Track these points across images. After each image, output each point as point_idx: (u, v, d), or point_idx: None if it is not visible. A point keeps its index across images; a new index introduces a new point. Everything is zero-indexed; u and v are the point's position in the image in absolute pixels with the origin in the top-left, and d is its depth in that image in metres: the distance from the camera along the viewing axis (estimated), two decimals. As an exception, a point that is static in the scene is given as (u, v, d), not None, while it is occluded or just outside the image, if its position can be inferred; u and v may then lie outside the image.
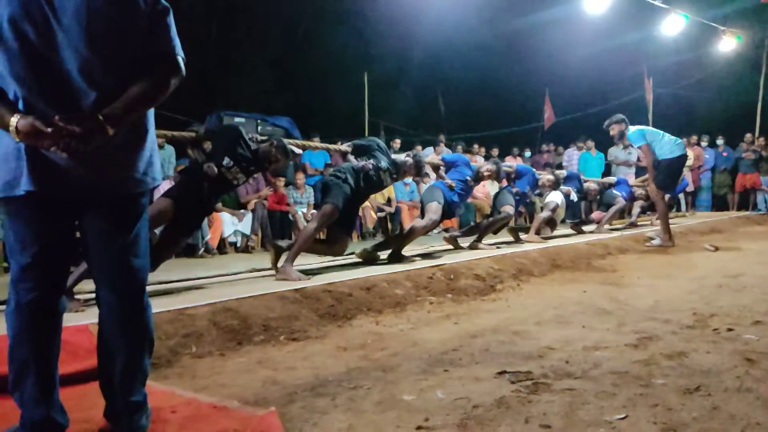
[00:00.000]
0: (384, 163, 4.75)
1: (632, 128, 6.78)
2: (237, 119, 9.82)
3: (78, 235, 1.75)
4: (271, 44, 12.06)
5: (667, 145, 6.57)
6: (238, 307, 3.10)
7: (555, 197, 7.09)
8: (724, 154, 12.47)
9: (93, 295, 2.75)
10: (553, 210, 7.02)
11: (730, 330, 2.82)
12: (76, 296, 3.12)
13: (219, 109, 9.77)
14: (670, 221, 8.71)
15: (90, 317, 2.59)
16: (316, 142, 5.08)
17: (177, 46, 1.72)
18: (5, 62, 1.53)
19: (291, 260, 4.12)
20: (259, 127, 9.96)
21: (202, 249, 6.79)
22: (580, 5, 9.33)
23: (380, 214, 9.02)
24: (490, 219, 6.32)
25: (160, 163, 1.85)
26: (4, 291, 3.30)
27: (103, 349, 1.74)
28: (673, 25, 10.56)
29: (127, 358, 1.71)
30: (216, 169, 3.66)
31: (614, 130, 6.82)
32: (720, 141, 12.45)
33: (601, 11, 9.37)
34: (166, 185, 6.64)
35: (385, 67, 12.83)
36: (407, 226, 6.42)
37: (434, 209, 5.32)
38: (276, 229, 7.74)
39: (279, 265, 4.21)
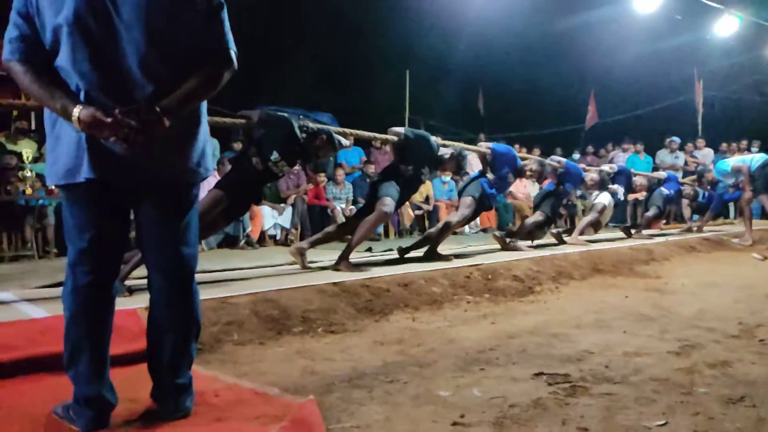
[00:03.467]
0: (427, 168, 4.81)
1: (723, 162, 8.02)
2: (279, 114, 9.98)
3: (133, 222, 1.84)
4: (314, 40, 12.18)
5: (755, 161, 7.49)
6: (278, 298, 3.17)
7: (602, 198, 6.90)
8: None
9: (139, 282, 2.87)
10: (601, 212, 6.84)
11: (777, 341, 2.73)
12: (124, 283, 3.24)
13: (262, 104, 9.92)
14: (718, 229, 8.48)
15: (137, 302, 2.69)
16: (361, 131, 5.08)
17: (230, 41, 1.77)
18: (69, 55, 1.61)
19: (347, 255, 4.24)
20: (301, 120, 10.09)
21: (243, 241, 6.93)
22: (629, 5, 9.11)
23: (418, 212, 9.01)
24: (526, 222, 6.19)
25: (211, 153, 1.91)
26: (57, 274, 3.46)
27: (152, 331, 1.82)
28: (726, 27, 10.22)
29: (175, 341, 1.78)
30: (263, 164, 3.76)
31: (705, 179, 8.32)
32: (773, 146, 11.97)
33: (651, 10, 9.14)
34: (210, 178, 6.83)
35: (426, 64, 12.80)
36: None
37: (467, 203, 5.29)
38: (315, 224, 7.84)
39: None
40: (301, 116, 10.58)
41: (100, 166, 1.64)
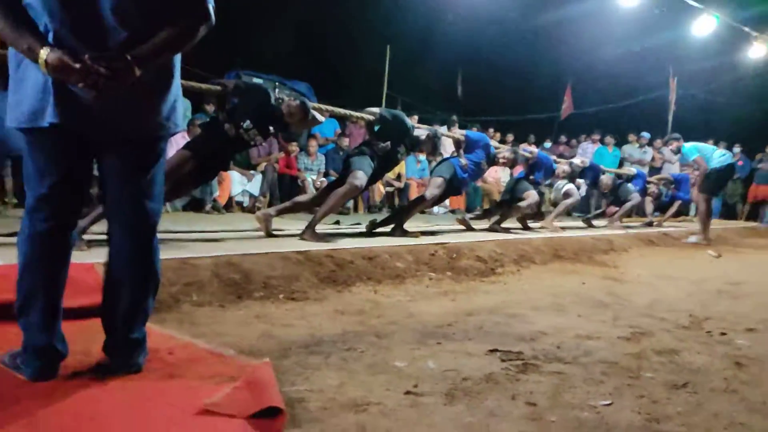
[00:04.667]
0: (403, 147, 4.81)
1: (687, 144, 7.68)
2: (256, 80, 9.78)
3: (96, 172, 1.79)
4: (295, 7, 11.93)
5: (716, 156, 7.48)
6: (241, 262, 3.15)
7: (571, 186, 7.10)
8: (740, 163, 12.35)
9: (98, 237, 2.80)
10: (573, 196, 7.05)
11: (723, 334, 2.84)
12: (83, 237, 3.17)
13: (238, 68, 9.72)
14: (677, 226, 8.78)
15: (95, 257, 2.64)
16: (338, 109, 5.06)
17: None
18: None
19: (314, 225, 4.22)
20: (277, 90, 9.91)
21: (210, 205, 6.83)
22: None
23: (389, 189, 9.03)
24: (519, 204, 6.26)
25: (182, 110, 1.86)
26: (12, 224, 3.36)
27: (109, 284, 1.78)
28: (703, 26, 10.38)
29: (132, 295, 1.75)
30: (235, 130, 3.70)
31: (672, 145, 7.81)
32: (737, 149, 12.32)
33: (633, 4, 9.21)
34: (179, 137, 6.68)
35: (408, 42, 12.67)
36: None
37: (437, 184, 5.35)
38: (284, 193, 7.77)
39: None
40: (277, 83, 10.47)
41: (65, 111, 1.58)
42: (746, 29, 11.01)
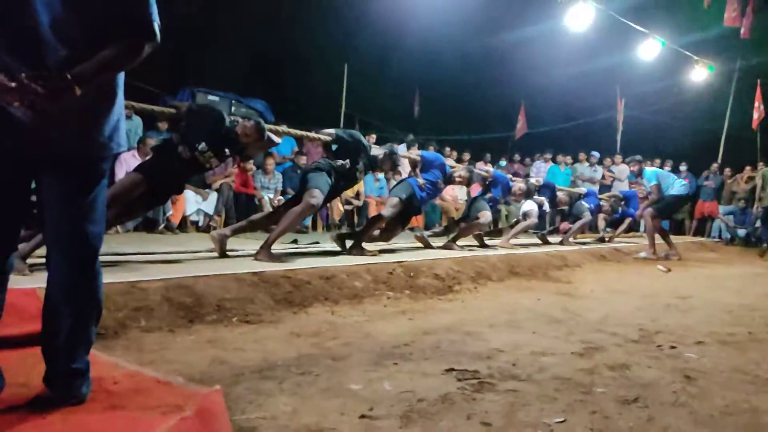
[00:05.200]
0: (362, 164, 4.82)
1: (649, 168, 8.43)
2: (210, 97, 9.66)
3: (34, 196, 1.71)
4: (250, 24, 11.88)
5: (676, 185, 7.91)
6: (193, 284, 3.07)
7: (531, 206, 7.25)
8: (686, 180, 12.87)
9: (41, 260, 2.69)
10: (535, 217, 7.21)
11: (672, 347, 2.92)
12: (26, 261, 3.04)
13: (192, 86, 9.58)
14: (627, 242, 9.07)
15: (38, 281, 2.52)
16: (293, 129, 5.06)
17: (154, 13, 1.68)
18: None
19: (269, 245, 4.16)
20: (233, 108, 9.82)
21: (163, 225, 6.67)
22: (562, 23, 9.49)
23: (348, 207, 9.01)
24: (471, 223, 6.37)
25: (125, 131, 1.81)
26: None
27: (49, 312, 1.70)
28: (649, 50, 10.82)
29: (73, 323, 1.67)
30: (189, 153, 3.62)
31: (634, 167, 8.17)
32: (683, 167, 12.84)
33: (582, 29, 9.54)
34: (128, 156, 6.52)
35: (365, 61, 12.79)
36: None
37: (393, 203, 5.39)
38: (241, 212, 7.65)
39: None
40: (233, 101, 10.33)
41: (0, 132, 1.51)
42: (688, 53, 11.55)
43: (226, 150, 3.84)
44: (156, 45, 1.70)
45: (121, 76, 1.74)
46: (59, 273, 1.69)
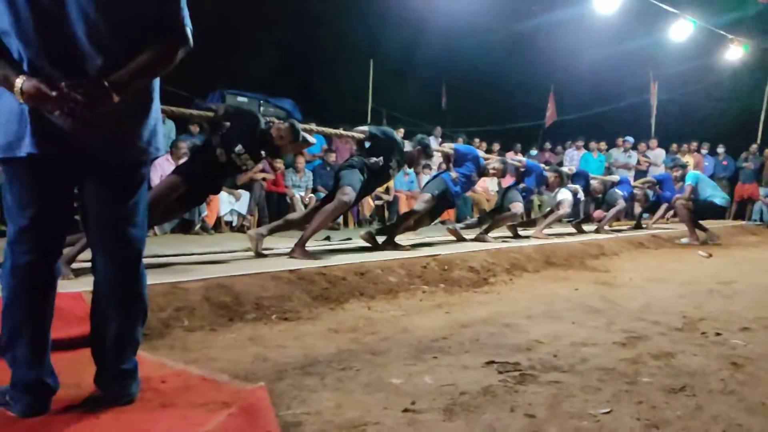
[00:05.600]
0: (395, 162, 4.80)
1: (693, 171, 8.71)
2: (240, 98, 9.78)
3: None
4: (277, 24, 11.97)
5: (717, 195, 8.01)
6: (232, 284, 3.12)
7: (565, 195, 7.14)
8: (724, 162, 12.50)
9: (85, 265, 2.77)
10: (569, 206, 7.10)
11: (718, 334, 2.85)
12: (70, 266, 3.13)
13: (222, 87, 9.71)
14: (666, 228, 8.88)
15: (83, 285, 2.60)
16: (325, 128, 5.09)
17: (185, 17, 1.70)
18: (12, 21, 1.51)
19: (303, 243, 4.20)
20: (262, 108, 9.92)
21: (198, 226, 6.79)
22: (590, 6, 9.31)
23: (378, 202, 9.02)
24: (502, 215, 6.33)
25: (163, 134, 1.84)
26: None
27: (96, 315, 1.75)
28: (681, 31, 10.54)
29: (120, 325, 1.72)
30: (226, 155, 3.69)
31: (677, 172, 8.37)
32: (721, 149, 12.48)
33: (611, 11, 9.35)
34: (162, 161, 6.65)
35: (390, 55, 12.77)
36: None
37: (425, 199, 5.39)
38: (273, 211, 7.74)
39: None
40: (261, 101, 10.43)
41: (43, 140, 1.56)
42: (722, 33, 11.19)
43: (262, 152, 3.89)
44: (188, 49, 1.73)
45: (157, 81, 1.77)
46: (105, 276, 1.73)
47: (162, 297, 2.72)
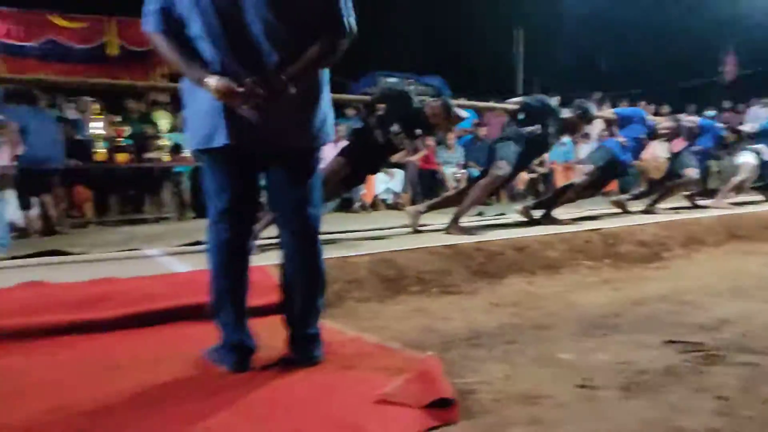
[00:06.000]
0: (552, 129, 4.60)
1: None
2: (390, 80, 10.04)
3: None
4: (421, 3, 12.02)
5: None
6: (395, 258, 3.25)
7: (746, 157, 6.31)
8: None
9: (267, 241, 3.06)
10: (749, 172, 6.28)
11: None
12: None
13: (373, 70, 10.01)
14: None
15: (266, 260, 2.88)
16: (476, 102, 5.05)
17: (344, 9, 1.79)
18: (203, 26, 1.72)
19: (458, 219, 4.25)
20: (412, 87, 10.07)
21: (357, 204, 7.15)
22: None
23: (532, 176, 8.74)
24: (674, 182, 5.77)
25: (333, 121, 1.98)
26: (194, 234, 3.76)
27: (284, 286, 1.95)
28: None
29: (304, 294, 1.90)
30: (384, 136, 3.85)
31: None
32: None
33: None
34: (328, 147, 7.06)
35: (540, 22, 12.21)
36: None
37: (588, 171, 5.08)
38: (425, 188, 7.88)
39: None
40: (411, 80, 10.58)
41: (234, 132, 1.76)
42: None
43: (417, 130, 3.99)
44: (351, 39, 1.83)
45: (326, 72, 1.90)
46: (290, 251, 1.92)
47: (334, 270, 2.91)
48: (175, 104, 8.20)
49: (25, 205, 5.56)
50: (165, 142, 6.93)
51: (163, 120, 7.51)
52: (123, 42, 8.55)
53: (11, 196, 5.28)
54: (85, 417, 1.57)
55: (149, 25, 1.76)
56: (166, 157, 6.79)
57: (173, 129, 7.43)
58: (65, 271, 2.89)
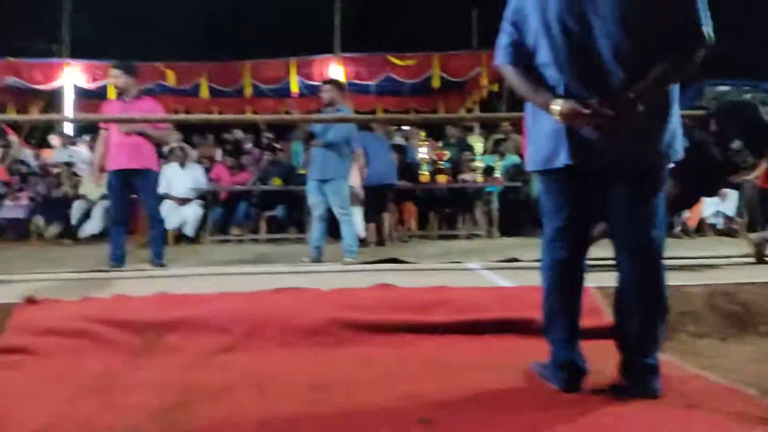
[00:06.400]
0: None
1: None
2: (720, 88, 8.81)
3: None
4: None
5: None
6: (738, 292, 2.84)
7: None
8: None
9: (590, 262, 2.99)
10: None
11: None
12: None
13: (704, 78, 8.92)
14: None
15: (587, 281, 2.82)
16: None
17: (701, 18, 1.68)
18: (551, 53, 1.80)
19: None
20: (749, 96, 8.68)
21: (679, 228, 6.46)
22: None
23: None
24: None
25: (682, 137, 1.86)
26: (505, 251, 3.90)
27: (620, 309, 1.89)
28: None
29: (643, 320, 1.82)
30: (722, 154, 3.44)
31: None
32: None
33: None
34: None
35: None
36: None
37: None
38: (767, 211, 6.65)
39: None
40: (745, 87, 9.11)
41: (576, 152, 1.79)
42: None
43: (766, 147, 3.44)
44: (708, 49, 1.70)
45: (676, 87, 1.80)
46: (628, 273, 1.86)
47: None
48: (488, 129, 8.76)
49: (368, 219, 6.52)
50: (478, 164, 7.38)
51: (477, 144, 8.04)
52: (444, 74, 9.50)
53: (358, 211, 6.27)
54: (431, 407, 1.76)
55: (500, 58, 1.93)
56: (479, 178, 7.23)
57: (485, 152, 7.92)
58: (404, 277, 3.29)
